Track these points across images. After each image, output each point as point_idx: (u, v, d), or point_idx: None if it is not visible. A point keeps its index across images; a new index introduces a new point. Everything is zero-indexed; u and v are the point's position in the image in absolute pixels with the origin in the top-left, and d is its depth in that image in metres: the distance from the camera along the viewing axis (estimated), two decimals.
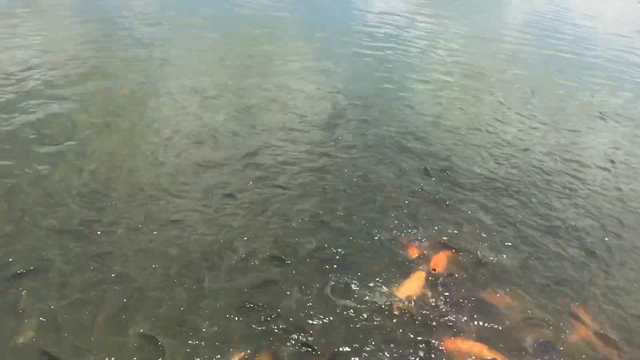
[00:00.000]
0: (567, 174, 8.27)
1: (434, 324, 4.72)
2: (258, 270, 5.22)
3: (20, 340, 4.08)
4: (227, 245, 5.53)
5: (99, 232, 5.50)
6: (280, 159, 7.62)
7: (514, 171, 8.14)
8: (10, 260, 4.97)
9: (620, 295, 5.54)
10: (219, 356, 4.14)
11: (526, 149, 9.06)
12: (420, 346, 4.43)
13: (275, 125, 8.83)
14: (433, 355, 4.35)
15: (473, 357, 4.38)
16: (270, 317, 4.58)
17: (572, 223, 6.78)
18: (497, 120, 10.42)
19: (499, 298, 5.18)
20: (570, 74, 15.04)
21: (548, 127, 10.37)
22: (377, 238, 5.92)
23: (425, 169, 7.77)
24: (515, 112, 11.01)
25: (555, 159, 8.79)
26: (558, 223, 6.74)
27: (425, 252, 5.73)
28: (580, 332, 4.89)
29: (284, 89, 10.82)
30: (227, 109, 9.39)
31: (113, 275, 4.92)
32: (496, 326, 4.80)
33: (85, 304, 4.54)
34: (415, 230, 6.14)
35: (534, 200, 7.27)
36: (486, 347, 4.49)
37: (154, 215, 5.92)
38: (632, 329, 5.09)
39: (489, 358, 4.35)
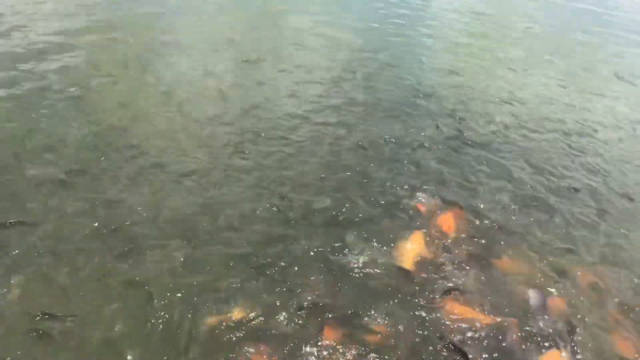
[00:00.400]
0: (583, 135, 7.92)
1: (435, 284, 4.51)
2: (261, 226, 5.02)
3: (9, 296, 3.92)
4: (231, 199, 5.33)
5: (97, 183, 5.29)
6: (288, 113, 7.34)
7: (529, 130, 7.79)
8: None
9: (632, 259, 5.31)
10: (219, 312, 4.00)
11: (542, 108, 8.66)
12: (419, 307, 4.24)
13: (283, 79, 8.48)
14: (431, 316, 4.17)
15: (471, 320, 4.20)
16: (273, 274, 4.42)
17: (586, 185, 6.52)
18: (515, 77, 9.94)
19: (506, 260, 4.97)
20: (593, 31, 14.26)
21: (566, 86, 9.91)
22: (383, 195, 5.68)
23: (437, 125, 7.44)
24: (534, 70, 10.51)
25: (572, 120, 8.41)
26: (572, 184, 6.47)
27: (432, 210, 5.50)
28: (590, 296, 4.69)
29: (293, 42, 10.37)
30: (236, 62, 9.04)
31: (110, 227, 4.73)
32: (499, 289, 4.59)
33: (78, 255, 4.37)
34: (423, 188, 5.89)
35: (548, 160, 6.98)
36: (485, 310, 4.31)
37: (156, 167, 5.71)
38: None
39: (486, 322, 4.18)
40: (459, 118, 7.83)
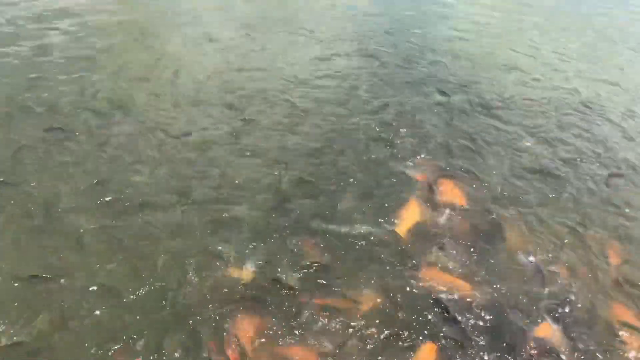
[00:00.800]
0: (595, 106, 7.52)
1: (430, 254, 4.35)
2: (258, 190, 4.90)
3: None
4: (229, 162, 5.23)
5: (92, 142, 5.26)
6: (291, 77, 7.14)
7: (538, 99, 7.46)
8: None
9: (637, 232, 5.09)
10: (212, 272, 3.93)
11: (554, 77, 8.31)
12: (411, 276, 4.09)
13: (288, 44, 8.28)
14: (424, 287, 4.02)
15: (465, 292, 4.05)
16: (268, 238, 4.32)
17: (594, 156, 6.22)
18: (528, 45, 9.53)
19: (506, 230, 4.75)
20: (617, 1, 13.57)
21: (581, 56, 9.43)
22: (383, 162, 5.51)
23: (442, 91, 7.18)
24: (549, 38, 10.05)
25: (585, 90, 8.00)
26: (579, 155, 6.19)
27: (432, 178, 5.32)
28: (592, 268, 4.47)
29: (299, 7, 10.13)
30: (239, 27, 8.81)
31: (103, 186, 4.68)
32: (497, 260, 4.40)
33: (68, 216, 4.30)
34: (424, 155, 5.70)
35: (556, 129, 6.67)
36: (480, 281, 4.15)
37: (154, 128, 5.64)
38: None
39: (480, 294, 4.04)
40: (466, 85, 7.53)
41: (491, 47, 9.09)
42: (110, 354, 3.26)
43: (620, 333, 3.92)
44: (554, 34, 10.34)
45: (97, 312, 3.54)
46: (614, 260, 4.65)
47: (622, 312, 4.13)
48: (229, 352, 3.36)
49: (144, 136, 5.45)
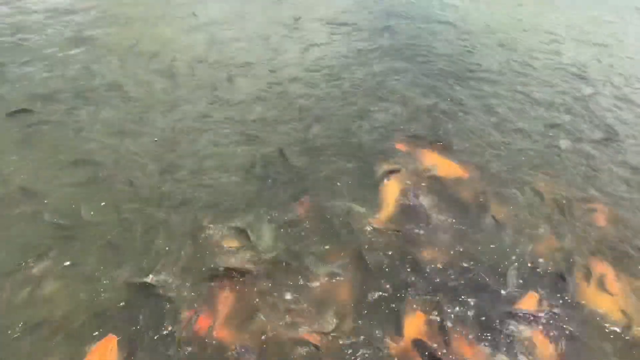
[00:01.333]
0: (581, 68, 7.42)
1: (411, 228, 4.28)
2: (241, 160, 4.91)
3: None
4: (210, 134, 5.24)
5: (67, 117, 5.27)
6: (272, 43, 7.16)
7: (529, 66, 7.36)
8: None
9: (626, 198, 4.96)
10: (181, 241, 3.97)
11: (546, 47, 8.17)
12: (392, 252, 4.06)
13: (274, 10, 8.34)
14: (405, 263, 3.98)
15: (448, 267, 3.99)
16: (252, 210, 4.32)
17: (579, 120, 6.12)
18: (523, 17, 9.39)
19: (492, 203, 4.66)
20: None
21: (572, 23, 9.28)
22: (361, 131, 5.44)
23: (426, 56, 7.11)
24: (542, 10, 9.88)
25: (574, 54, 7.91)
26: (564, 119, 6.10)
27: (413, 148, 5.24)
28: (578, 238, 4.40)
29: None
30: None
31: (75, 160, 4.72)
32: (479, 233, 4.34)
33: (48, 191, 4.32)
34: (405, 124, 5.61)
35: (545, 98, 6.55)
36: (463, 256, 4.08)
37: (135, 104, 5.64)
38: None
39: (464, 269, 3.99)
40: (450, 52, 7.44)
41: (484, 17, 8.92)
42: (87, 329, 3.29)
43: (602, 296, 3.89)
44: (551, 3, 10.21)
45: (77, 289, 3.56)
46: (600, 223, 4.61)
47: (605, 273, 4.10)
48: (201, 323, 3.38)
49: (119, 112, 5.42)
